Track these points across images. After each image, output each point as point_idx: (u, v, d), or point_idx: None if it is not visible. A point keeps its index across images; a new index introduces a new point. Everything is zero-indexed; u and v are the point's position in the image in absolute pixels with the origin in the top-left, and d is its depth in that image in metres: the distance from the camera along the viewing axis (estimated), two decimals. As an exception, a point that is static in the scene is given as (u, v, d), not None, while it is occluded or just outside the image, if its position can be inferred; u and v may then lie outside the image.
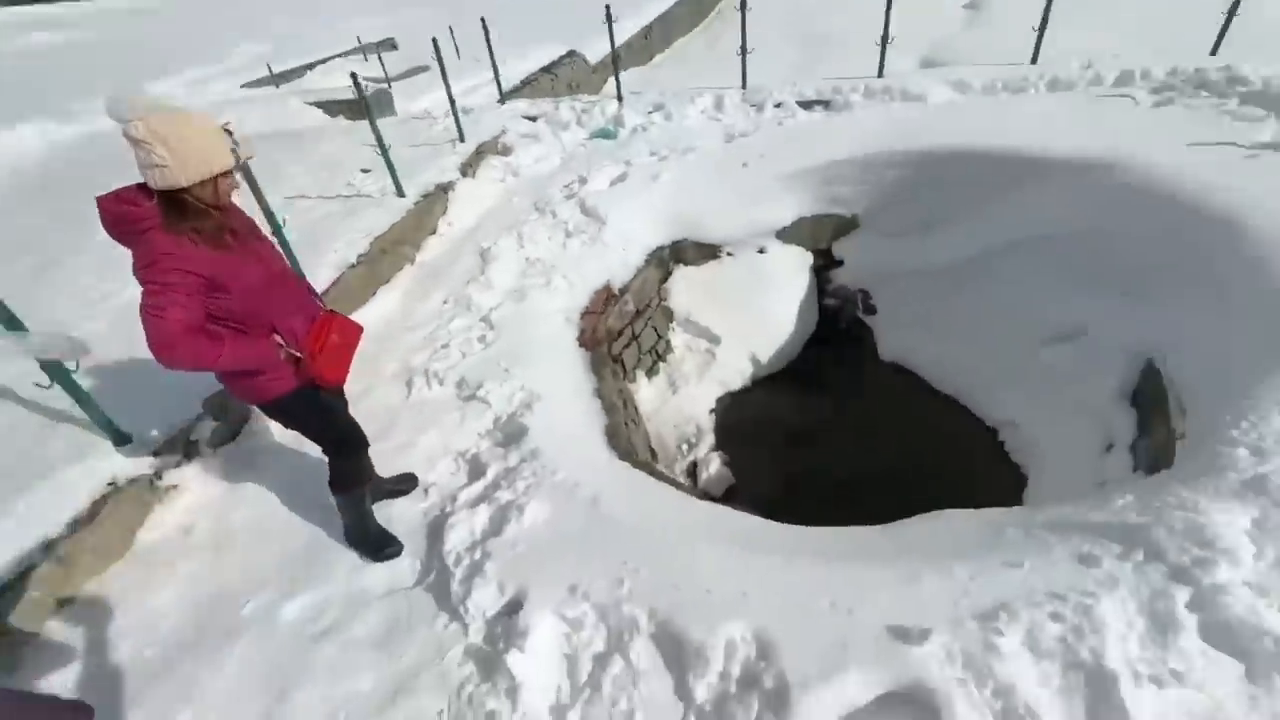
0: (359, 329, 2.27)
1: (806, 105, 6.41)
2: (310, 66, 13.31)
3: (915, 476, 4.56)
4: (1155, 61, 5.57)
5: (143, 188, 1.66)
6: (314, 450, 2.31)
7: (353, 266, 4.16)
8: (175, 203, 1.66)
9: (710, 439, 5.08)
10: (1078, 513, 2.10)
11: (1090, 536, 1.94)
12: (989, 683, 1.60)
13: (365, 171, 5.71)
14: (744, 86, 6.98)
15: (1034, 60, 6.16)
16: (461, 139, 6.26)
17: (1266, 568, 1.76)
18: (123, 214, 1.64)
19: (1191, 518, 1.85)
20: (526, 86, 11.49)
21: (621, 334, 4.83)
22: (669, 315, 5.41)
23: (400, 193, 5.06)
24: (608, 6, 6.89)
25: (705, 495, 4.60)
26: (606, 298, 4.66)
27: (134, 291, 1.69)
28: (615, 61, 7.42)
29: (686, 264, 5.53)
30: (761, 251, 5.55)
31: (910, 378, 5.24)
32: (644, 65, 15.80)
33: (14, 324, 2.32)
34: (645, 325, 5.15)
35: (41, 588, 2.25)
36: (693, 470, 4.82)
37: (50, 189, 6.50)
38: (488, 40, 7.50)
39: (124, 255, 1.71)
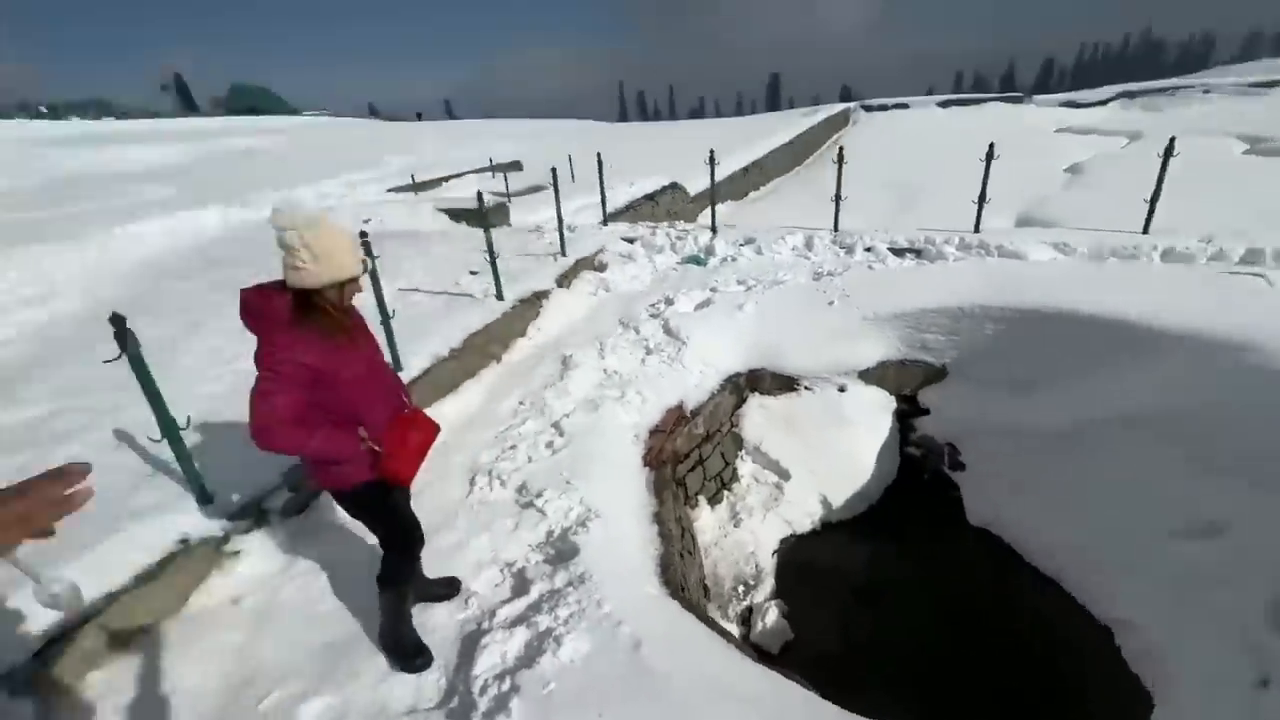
0: (435, 427, 2.30)
1: (898, 252, 6.48)
2: (446, 179, 15.33)
3: (1000, 665, 3.94)
4: (1288, 241, 5.25)
5: (279, 284, 1.87)
6: (373, 537, 2.33)
7: (444, 359, 4.43)
8: (305, 301, 1.86)
9: (770, 583, 4.68)
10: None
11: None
12: None
13: (474, 274, 6.24)
14: (835, 229, 7.21)
15: (1145, 230, 5.98)
16: (563, 253, 6.78)
17: None
18: (259, 306, 1.84)
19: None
20: (629, 210, 12.55)
21: (688, 456, 4.73)
22: (738, 443, 5.27)
23: (500, 295, 5.45)
24: (711, 151, 7.60)
25: (758, 649, 4.16)
26: (678, 418, 4.63)
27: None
28: (713, 197, 7.97)
29: (762, 393, 5.45)
30: (842, 390, 5.39)
31: (1002, 548, 4.68)
32: (740, 200, 16.91)
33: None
34: (713, 450, 5.02)
35: (94, 639, 2.30)
36: (747, 616, 4.41)
37: (215, 262, 7.59)
38: (599, 168, 8.37)
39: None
